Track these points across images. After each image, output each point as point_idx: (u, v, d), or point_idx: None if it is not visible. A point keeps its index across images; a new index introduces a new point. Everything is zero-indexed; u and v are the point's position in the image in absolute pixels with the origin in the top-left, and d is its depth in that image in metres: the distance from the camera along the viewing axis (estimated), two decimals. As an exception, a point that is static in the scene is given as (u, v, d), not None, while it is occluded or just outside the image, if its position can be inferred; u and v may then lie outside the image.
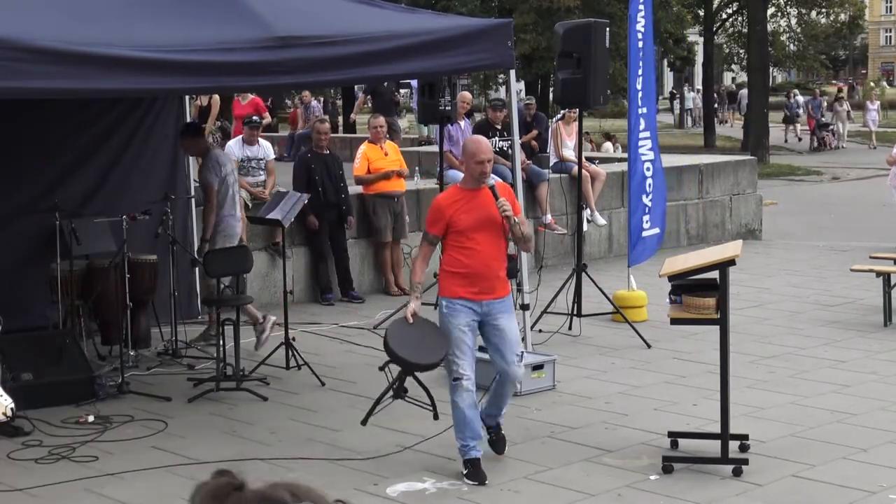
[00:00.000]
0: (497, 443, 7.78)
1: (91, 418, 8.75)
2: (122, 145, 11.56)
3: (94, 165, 11.42)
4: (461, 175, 14.17)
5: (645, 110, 11.98)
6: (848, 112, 44.36)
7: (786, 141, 44.95)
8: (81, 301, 10.37)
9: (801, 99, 51.19)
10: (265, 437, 8.34)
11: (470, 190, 7.34)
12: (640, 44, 11.91)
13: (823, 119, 43.46)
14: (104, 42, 7.73)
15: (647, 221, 12.04)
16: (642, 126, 11.97)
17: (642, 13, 11.88)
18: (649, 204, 12.04)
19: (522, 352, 7.75)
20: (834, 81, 76.93)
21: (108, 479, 7.47)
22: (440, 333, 7.37)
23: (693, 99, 56.84)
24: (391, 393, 7.79)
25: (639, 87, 11.94)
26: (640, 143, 11.97)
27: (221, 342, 9.60)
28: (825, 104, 44.27)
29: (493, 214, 7.26)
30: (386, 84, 21.46)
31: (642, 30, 11.90)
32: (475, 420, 7.35)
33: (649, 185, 12.01)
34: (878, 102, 44.21)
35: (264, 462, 7.76)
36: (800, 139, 45.06)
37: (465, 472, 7.30)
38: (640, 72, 11.92)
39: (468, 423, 7.28)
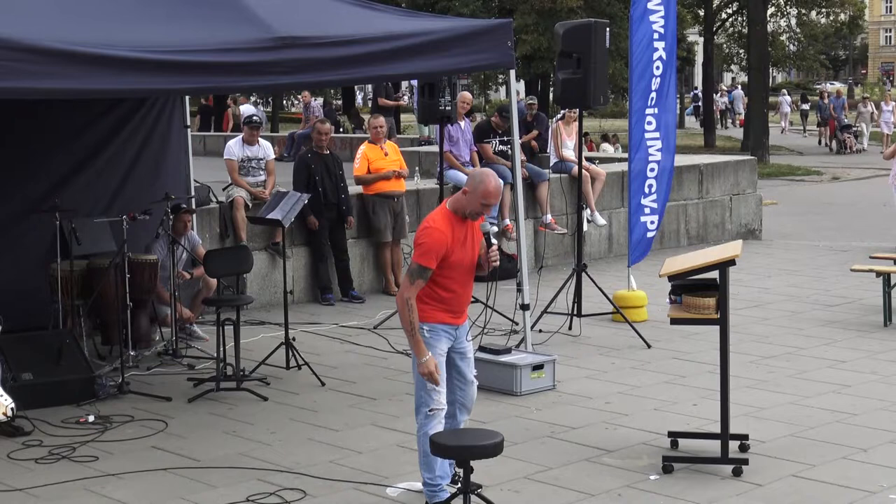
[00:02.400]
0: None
1: (91, 418, 8.75)
2: (122, 146, 11.55)
3: (94, 166, 11.42)
4: (461, 175, 14.38)
5: (656, 111, 11.89)
6: (872, 114, 42.49)
7: (820, 143, 43.45)
8: (81, 301, 10.37)
9: (788, 98, 50.78)
10: (265, 438, 8.34)
11: (462, 221, 6.80)
12: (663, 44, 11.77)
13: (846, 120, 41.76)
14: (104, 43, 7.73)
15: (651, 223, 12.01)
16: (652, 126, 11.91)
17: (661, 13, 11.78)
18: (655, 206, 12.00)
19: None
20: (833, 83, 76.89)
21: (109, 479, 7.47)
22: (484, 430, 6.73)
23: (717, 100, 53.42)
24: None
25: (654, 87, 11.83)
26: (649, 143, 11.91)
27: (222, 342, 9.59)
28: (847, 104, 42.66)
29: (476, 244, 6.90)
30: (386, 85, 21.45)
31: (661, 30, 11.77)
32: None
33: (650, 186, 11.96)
34: (894, 103, 41.42)
35: (264, 462, 7.77)
36: (821, 143, 43.75)
37: None
38: (658, 72, 11.81)
39: (443, 460, 6.74)
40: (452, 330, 6.87)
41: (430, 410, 6.75)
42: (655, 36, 11.77)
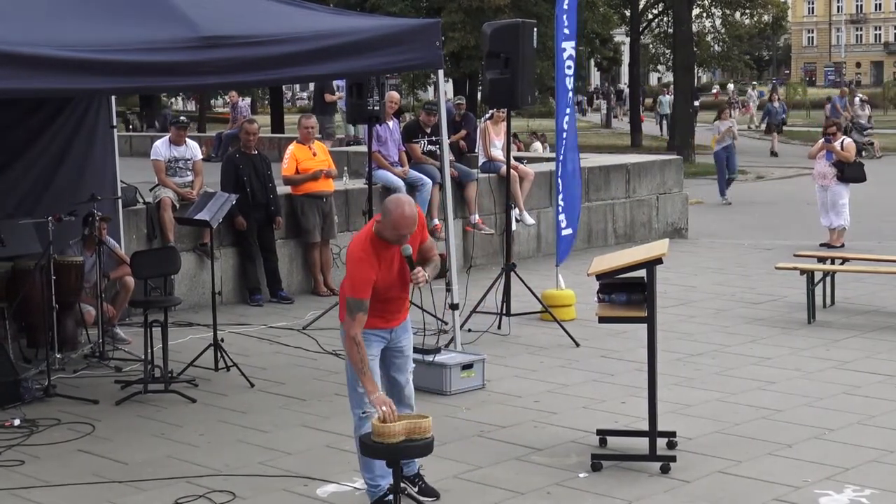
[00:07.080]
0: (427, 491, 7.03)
1: (17, 422, 8.64)
2: (47, 146, 11.40)
3: (19, 166, 11.28)
4: (389, 175, 14.37)
5: (568, 110, 12.09)
6: (869, 117, 38.09)
7: (773, 154, 38.31)
8: (6, 303, 10.24)
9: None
10: (194, 440, 8.29)
11: (387, 246, 6.64)
12: (564, 44, 11.98)
13: (865, 123, 36.59)
14: (29, 42, 7.63)
15: (562, 220, 12.18)
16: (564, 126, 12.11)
17: (566, 14, 11.99)
18: (562, 203, 12.18)
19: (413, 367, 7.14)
20: (755, 83, 77.76)
21: (35, 484, 7.38)
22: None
23: (671, 103, 44.20)
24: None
25: (569, 85, 12.02)
26: (563, 142, 12.11)
27: (149, 344, 9.52)
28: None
29: (404, 265, 6.69)
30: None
31: (567, 31, 11.98)
32: None
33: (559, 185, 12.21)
34: (868, 105, 38.24)
35: (193, 465, 7.72)
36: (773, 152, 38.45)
37: None
38: (570, 72, 12.01)
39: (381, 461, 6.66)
40: (385, 333, 6.85)
41: (363, 413, 6.72)
42: (565, 33, 11.96)
